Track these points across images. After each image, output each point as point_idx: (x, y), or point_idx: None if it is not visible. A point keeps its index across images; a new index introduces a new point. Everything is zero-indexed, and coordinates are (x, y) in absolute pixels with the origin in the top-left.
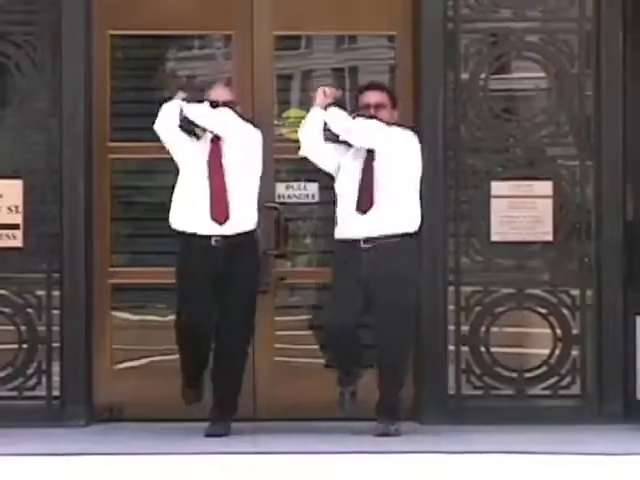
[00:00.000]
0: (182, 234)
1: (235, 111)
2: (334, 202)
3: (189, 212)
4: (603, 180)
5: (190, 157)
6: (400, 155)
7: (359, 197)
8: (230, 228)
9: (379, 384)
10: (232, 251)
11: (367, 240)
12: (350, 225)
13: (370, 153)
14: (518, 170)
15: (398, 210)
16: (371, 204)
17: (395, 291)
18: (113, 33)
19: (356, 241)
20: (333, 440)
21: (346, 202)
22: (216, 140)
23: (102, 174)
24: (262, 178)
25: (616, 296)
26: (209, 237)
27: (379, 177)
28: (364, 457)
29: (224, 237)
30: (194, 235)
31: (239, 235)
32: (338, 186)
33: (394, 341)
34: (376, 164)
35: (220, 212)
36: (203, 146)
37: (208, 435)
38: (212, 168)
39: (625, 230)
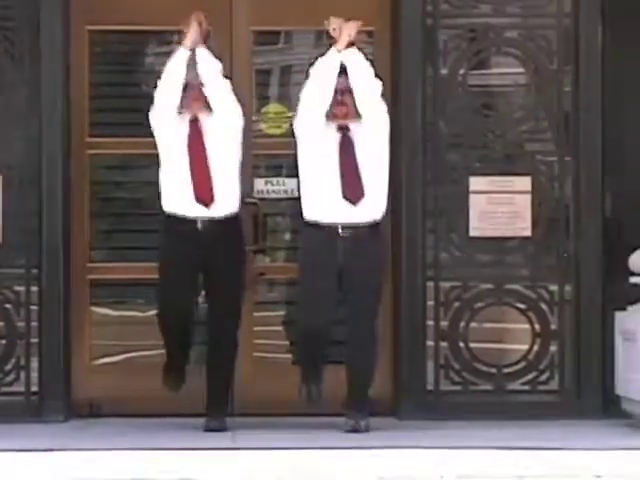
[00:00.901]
0: (169, 217)
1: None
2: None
3: (176, 195)
4: (581, 176)
5: (172, 138)
6: (374, 140)
7: (346, 186)
8: (216, 210)
9: (349, 376)
10: (217, 234)
11: (345, 227)
12: (329, 210)
13: (346, 137)
14: (497, 166)
15: (377, 198)
16: (362, 194)
17: (369, 279)
18: (91, 28)
19: (332, 227)
20: (313, 436)
21: (325, 185)
22: (195, 121)
23: (81, 170)
24: (241, 174)
25: (595, 291)
26: (195, 221)
27: (360, 164)
28: (345, 453)
29: (210, 220)
30: (181, 219)
31: (225, 219)
32: (315, 167)
33: (366, 332)
34: (356, 150)
35: (204, 193)
36: (184, 128)
37: (207, 430)
38: (193, 149)
39: (604, 226)
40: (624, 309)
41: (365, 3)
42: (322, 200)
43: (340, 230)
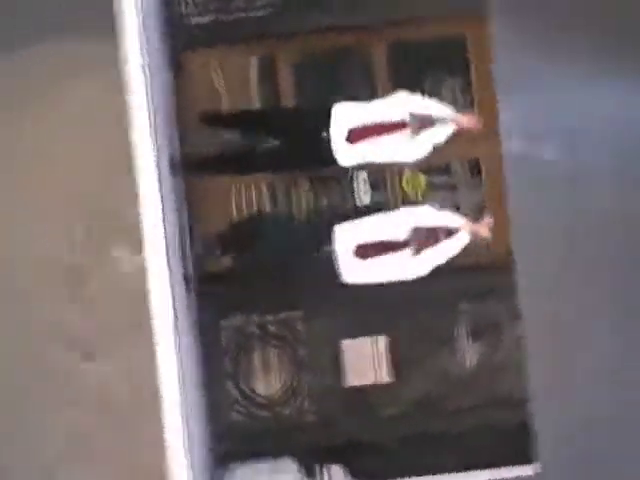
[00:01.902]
0: None
1: None
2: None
3: None
4: None
5: None
6: None
7: (361, 253)
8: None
9: None
10: None
11: (334, 252)
12: (344, 234)
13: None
14: None
15: (371, 277)
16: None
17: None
18: None
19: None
20: None
21: (370, 232)
22: None
23: None
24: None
25: None
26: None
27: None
28: None
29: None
30: None
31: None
32: (388, 220)
33: None
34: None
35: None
36: None
37: None
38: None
39: None
40: None
41: None
42: (356, 230)
43: (333, 252)
